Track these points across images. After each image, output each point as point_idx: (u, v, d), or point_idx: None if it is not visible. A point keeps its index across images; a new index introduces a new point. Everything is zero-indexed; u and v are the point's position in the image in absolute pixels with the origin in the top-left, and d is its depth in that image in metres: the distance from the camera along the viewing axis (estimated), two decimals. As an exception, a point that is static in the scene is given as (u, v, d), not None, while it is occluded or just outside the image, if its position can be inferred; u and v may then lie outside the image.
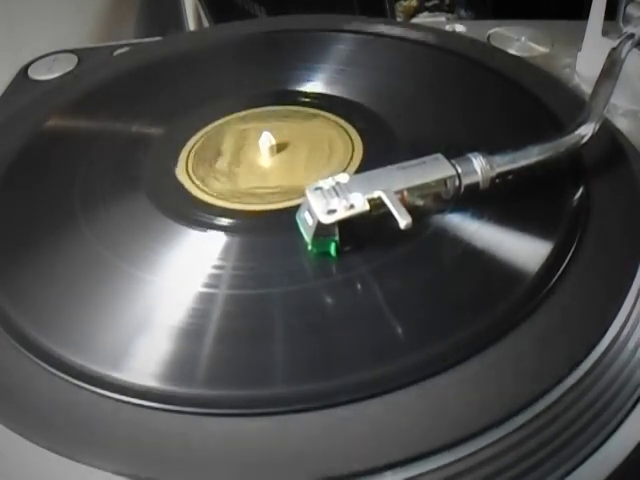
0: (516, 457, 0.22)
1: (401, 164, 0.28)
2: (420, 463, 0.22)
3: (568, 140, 0.30)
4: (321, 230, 0.27)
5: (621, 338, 0.25)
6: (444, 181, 0.28)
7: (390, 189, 0.27)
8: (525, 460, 0.22)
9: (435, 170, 0.28)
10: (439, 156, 0.29)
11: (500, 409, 0.22)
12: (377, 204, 0.27)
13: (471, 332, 0.25)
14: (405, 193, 0.28)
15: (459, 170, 0.28)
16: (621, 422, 0.25)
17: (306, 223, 0.28)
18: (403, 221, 0.26)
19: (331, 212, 0.27)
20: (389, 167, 0.28)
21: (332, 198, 0.27)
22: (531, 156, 0.29)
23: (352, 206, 0.27)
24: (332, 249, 0.28)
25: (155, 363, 0.25)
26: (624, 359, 0.25)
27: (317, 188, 0.28)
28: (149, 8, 0.70)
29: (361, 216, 0.27)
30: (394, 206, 0.27)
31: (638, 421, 0.25)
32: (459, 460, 0.22)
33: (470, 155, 0.29)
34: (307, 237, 0.28)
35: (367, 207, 0.27)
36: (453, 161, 0.29)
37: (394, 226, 0.26)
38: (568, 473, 0.23)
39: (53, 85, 0.43)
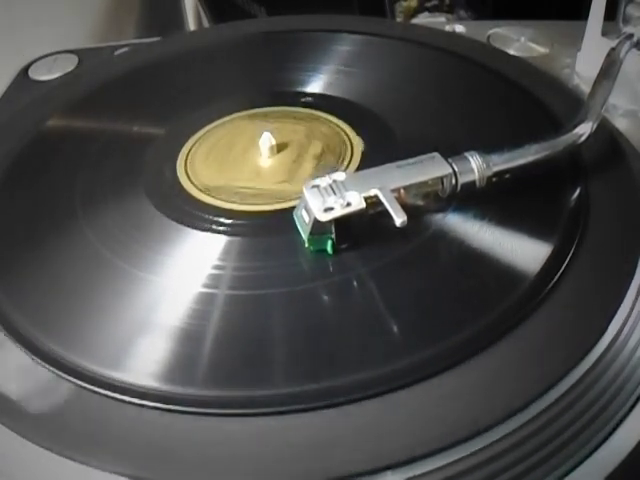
0: (516, 457, 0.22)
1: (398, 162, 0.29)
2: (420, 463, 0.22)
3: (565, 139, 0.30)
4: (318, 227, 0.27)
5: (621, 337, 0.25)
6: (441, 180, 0.28)
7: (386, 187, 0.27)
8: (525, 460, 0.22)
9: (432, 168, 0.28)
10: (436, 155, 0.29)
11: (500, 409, 0.22)
12: (374, 202, 0.27)
13: (471, 333, 0.25)
14: (402, 191, 0.28)
15: (456, 169, 0.28)
16: (621, 421, 0.25)
17: (303, 220, 0.28)
18: (398, 219, 0.26)
19: (328, 210, 0.27)
20: (386, 165, 0.29)
21: (329, 196, 0.27)
22: (528, 155, 0.29)
23: (349, 204, 0.27)
24: (328, 246, 0.28)
25: (155, 363, 0.25)
26: (624, 359, 0.25)
27: (314, 186, 0.28)
28: (149, 8, 0.70)
29: (358, 214, 0.27)
30: (390, 204, 0.27)
31: (638, 420, 0.25)
32: (459, 460, 0.22)
33: (467, 154, 0.29)
34: (304, 234, 0.28)
35: (363, 205, 0.27)
36: (450, 160, 0.29)
37: (394, 227, 0.26)
38: (568, 472, 0.23)
39: (53, 85, 0.43)
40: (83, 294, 0.28)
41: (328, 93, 0.39)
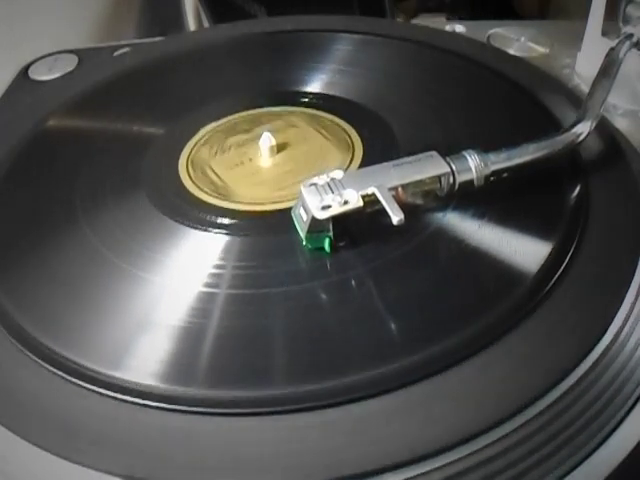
0: (516, 456, 0.22)
1: (396, 161, 0.29)
2: (420, 463, 0.22)
3: (564, 138, 0.30)
4: (315, 226, 0.27)
5: (621, 337, 0.25)
6: (438, 178, 0.29)
7: (384, 185, 0.27)
8: (525, 459, 0.22)
9: (430, 167, 0.28)
10: (434, 153, 0.29)
11: (500, 409, 0.22)
12: (371, 200, 0.27)
13: (471, 332, 0.25)
14: (400, 190, 0.28)
15: (453, 167, 0.28)
16: (621, 421, 0.25)
17: (301, 219, 0.28)
18: (395, 217, 0.26)
19: (325, 208, 0.27)
20: (384, 164, 0.29)
21: (326, 194, 0.27)
22: (526, 154, 0.29)
23: (346, 202, 0.27)
24: (326, 245, 0.28)
25: (155, 363, 0.25)
26: (624, 359, 0.25)
27: (312, 184, 0.28)
28: (149, 8, 0.70)
29: (355, 212, 0.27)
30: (387, 202, 0.27)
31: (638, 420, 0.25)
32: (459, 460, 0.22)
33: (465, 153, 0.29)
34: (301, 232, 0.28)
35: (361, 203, 0.27)
36: (448, 159, 0.29)
37: (392, 225, 0.26)
38: (568, 472, 0.23)
39: (53, 85, 0.43)
40: (83, 294, 0.28)
41: (328, 93, 0.39)
